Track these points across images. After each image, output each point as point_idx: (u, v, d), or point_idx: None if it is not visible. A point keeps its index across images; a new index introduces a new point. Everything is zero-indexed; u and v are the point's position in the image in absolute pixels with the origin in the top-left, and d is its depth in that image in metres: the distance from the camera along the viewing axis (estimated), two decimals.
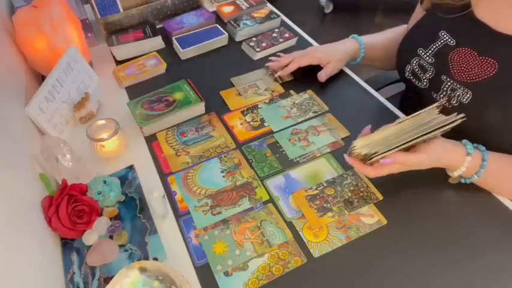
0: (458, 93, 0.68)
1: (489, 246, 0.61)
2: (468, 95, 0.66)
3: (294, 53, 0.92)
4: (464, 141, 0.64)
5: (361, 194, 0.69)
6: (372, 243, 0.62)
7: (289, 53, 0.93)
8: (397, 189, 0.68)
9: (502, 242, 0.61)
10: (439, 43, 0.71)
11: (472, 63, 0.67)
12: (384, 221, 0.64)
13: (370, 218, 0.65)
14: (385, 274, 0.59)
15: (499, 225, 0.63)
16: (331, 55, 0.90)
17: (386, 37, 0.93)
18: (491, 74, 0.64)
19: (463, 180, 0.65)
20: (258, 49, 1.02)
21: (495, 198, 0.66)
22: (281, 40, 1.05)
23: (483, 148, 0.63)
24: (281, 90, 0.92)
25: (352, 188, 0.70)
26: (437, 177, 0.68)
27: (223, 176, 0.74)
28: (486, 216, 0.64)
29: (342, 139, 0.79)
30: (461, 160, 0.62)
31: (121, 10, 1.08)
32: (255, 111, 0.87)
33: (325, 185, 0.71)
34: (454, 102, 0.69)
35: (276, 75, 0.92)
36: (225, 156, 0.78)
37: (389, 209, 0.66)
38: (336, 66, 0.90)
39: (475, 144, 0.63)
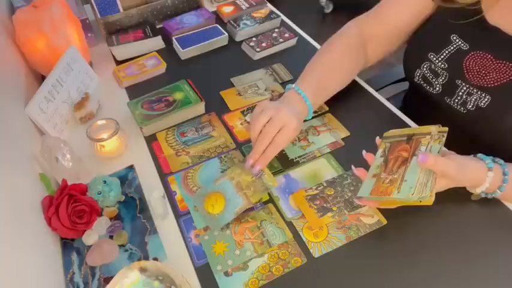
0: (474, 97, 0.67)
1: (490, 246, 0.61)
2: (486, 99, 0.65)
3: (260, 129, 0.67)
4: (480, 155, 0.61)
5: None
6: (372, 243, 0.62)
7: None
8: None
9: (503, 242, 0.61)
10: (452, 48, 0.70)
11: (489, 67, 0.66)
12: (384, 221, 0.64)
13: (370, 218, 0.65)
14: (385, 274, 0.59)
15: (500, 225, 0.63)
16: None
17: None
18: (510, 78, 0.63)
19: (483, 195, 0.63)
20: (258, 49, 1.02)
21: (497, 200, 0.66)
22: (281, 40, 1.05)
23: (502, 161, 0.61)
24: (281, 90, 0.92)
25: (352, 188, 0.70)
26: None
27: None
28: (487, 217, 0.64)
29: (342, 139, 0.79)
30: (483, 176, 0.59)
31: (121, 10, 1.08)
32: None
33: (325, 185, 0.71)
34: (470, 106, 0.68)
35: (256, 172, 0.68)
36: (225, 156, 0.78)
37: (389, 209, 0.66)
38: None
39: (491, 157, 0.61)
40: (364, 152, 0.65)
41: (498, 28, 0.65)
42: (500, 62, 0.65)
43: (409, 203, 0.56)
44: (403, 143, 0.61)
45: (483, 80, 0.66)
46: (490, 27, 0.66)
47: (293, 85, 0.74)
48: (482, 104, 0.66)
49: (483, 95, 0.66)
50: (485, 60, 0.66)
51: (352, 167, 0.64)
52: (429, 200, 0.54)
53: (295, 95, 0.73)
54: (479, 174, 0.59)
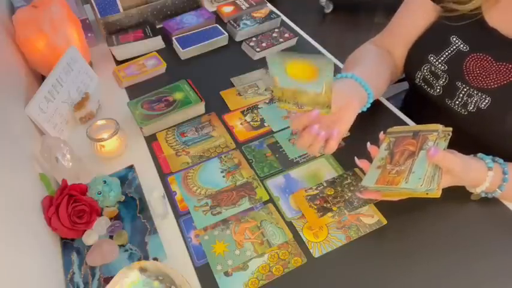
0: (475, 99, 0.67)
1: (491, 246, 0.61)
2: (487, 101, 0.65)
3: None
4: (480, 155, 0.61)
5: None
6: (372, 243, 0.62)
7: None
8: None
9: (504, 243, 0.61)
10: (452, 49, 0.70)
11: (489, 69, 0.66)
12: (384, 221, 0.64)
13: (370, 218, 0.65)
14: (385, 274, 0.59)
15: (500, 225, 0.63)
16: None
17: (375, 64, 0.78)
18: (510, 79, 0.63)
19: (483, 194, 0.63)
20: (258, 49, 1.02)
21: (497, 200, 0.66)
22: (281, 40, 1.05)
23: (501, 160, 0.61)
24: None
25: (352, 188, 0.70)
26: None
27: (223, 176, 0.74)
28: (487, 217, 0.64)
29: (342, 139, 0.79)
30: (483, 176, 0.59)
31: (121, 10, 1.08)
32: (255, 111, 0.87)
33: (325, 185, 0.71)
34: (471, 108, 0.68)
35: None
36: (225, 156, 0.78)
37: (389, 209, 0.66)
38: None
39: (491, 157, 0.61)
40: (368, 144, 0.65)
41: (497, 30, 0.65)
42: (501, 63, 0.65)
43: (416, 194, 0.57)
44: (409, 138, 0.61)
45: (483, 82, 0.66)
46: (490, 29, 0.66)
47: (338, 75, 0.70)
48: (483, 105, 0.66)
49: (483, 97, 0.66)
50: (485, 62, 0.66)
51: (355, 158, 0.64)
52: (436, 192, 0.55)
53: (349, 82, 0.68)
54: (480, 174, 0.60)
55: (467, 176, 0.60)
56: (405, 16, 0.80)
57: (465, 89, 0.68)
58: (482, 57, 0.67)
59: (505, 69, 0.64)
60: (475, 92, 0.67)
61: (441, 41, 0.72)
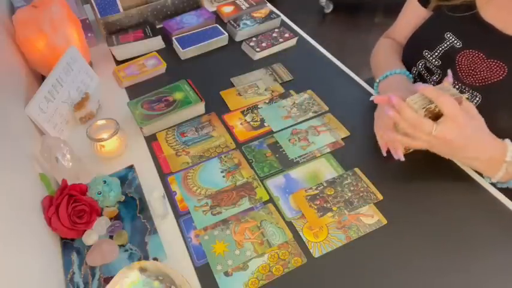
0: (466, 96, 0.67)
1: (490, 246, 0.61)
2: (477, 98, 0.65)
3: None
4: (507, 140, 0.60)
5: (361, 194, 0.68)
6: (372, 243, 0.62)
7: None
8: (398, 189, 0.68)
9: (503, 243, 0.61)
10: (445, 45, 0.70)
11: (480, 66, 0.66)
12: (384, 221, 0.64)
13: (370, 218, 0.65)
14: (385, 274, 0.59)
15: (500, 225, 0.63)
16: None
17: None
18: (501, 77, 0.63)
19: (499, 185, 0.63)
20: (258, 49, 1.02)
21: (497, 199, 0.66)
22: (281, 40, 1.05)
23: None
24: (281, 90, 0.92)
25: (352, 188, 0.70)
26: (438, 177, 0.68)
27: (223, 176, 0.74)
28: (487, 217, 0.64)
29: (342, 139, 0.79)
30: (499, 156, 0.58)
31: (121, 10, 1.08)
32: (255, 111, 0.87)
33: (325, 185, 0.71)
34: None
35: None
36: (225, 156, 0.78)
37: (389, 209, 0.66)
38: None
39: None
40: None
41: (492, 26, 0.65)
42: (492, 60, 0.65)
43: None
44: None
45: (474, 79, 0.66)
46: (485, 24, 0.66)
47: (388, 73, 0.75)
48: (474, 103, 0.66)
49: (474, 94, 0.66)
50: (476, 58, 0.66)
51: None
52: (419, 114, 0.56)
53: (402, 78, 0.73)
54: (495, 150, 0.58)
55: (477, 147, 0.58)
56: (408, 10, 0.83)
57: (457, 86, 0.68)
58: (473, 53, 0.67)
59: (495, 67, 0.64)
60: (467, 89, 0.67)
61: (436, 37, 0.72)
